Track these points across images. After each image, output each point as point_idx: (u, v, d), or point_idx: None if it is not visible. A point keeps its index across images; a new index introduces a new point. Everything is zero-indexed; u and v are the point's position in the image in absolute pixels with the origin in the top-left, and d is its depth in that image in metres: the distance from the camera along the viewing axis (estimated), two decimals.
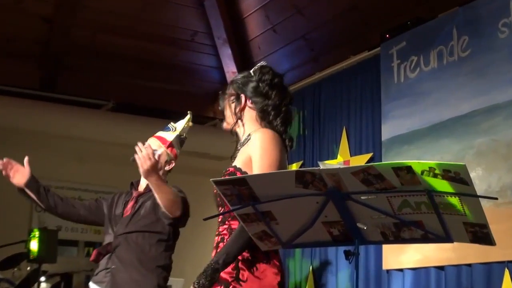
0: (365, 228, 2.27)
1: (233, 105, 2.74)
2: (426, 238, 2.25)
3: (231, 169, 2.65)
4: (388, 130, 5.56)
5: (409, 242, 2.30)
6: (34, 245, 6.52)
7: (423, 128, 5.26)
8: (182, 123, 3.92)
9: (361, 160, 5.80)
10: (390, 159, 5.37)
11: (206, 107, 7.63)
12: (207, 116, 7.73)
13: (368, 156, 5.82)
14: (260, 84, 2.72)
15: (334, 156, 6.21)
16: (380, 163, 2.13)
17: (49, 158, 7.36)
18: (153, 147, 3.59)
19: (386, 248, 5.36)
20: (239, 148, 2.72)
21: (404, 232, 2.25)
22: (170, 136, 3.87)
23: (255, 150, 2.59)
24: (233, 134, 2.79)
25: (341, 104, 6.28)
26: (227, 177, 2.56)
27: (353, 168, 2.10)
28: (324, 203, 2.22)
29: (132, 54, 7.27)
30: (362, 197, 2.16)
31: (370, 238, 2.32)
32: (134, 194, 3.87)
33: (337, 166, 2.13)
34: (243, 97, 2.73)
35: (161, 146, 3.81)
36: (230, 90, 2.78)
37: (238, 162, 2.64)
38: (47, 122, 7.09)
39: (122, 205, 3.88)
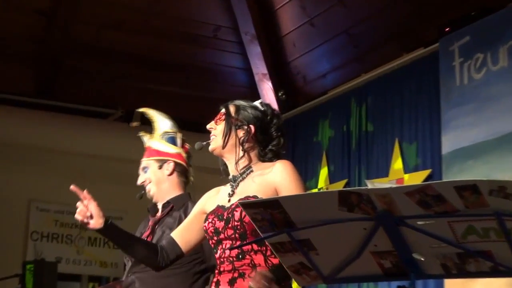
0: (422, 259, 2.27)
1: (240, 132, 3.07)
2: (497, 271, 2.24)
3: (251, 199, 2.83)
4: (449, 142, 5.53)
5: (476, 276, 2.29)
6: (29, 280, 6.57)
7: (491, 139, 5.23)
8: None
9: (417, 178, 5.78)
10: (452, 176, 5.34)
11: None
12: None
13: (425, 173, 5.80)
14: (270, 125, 3.12)
15: (384, 174, 6.20)
16: (440, 181, 2.12)
17: (45, 177, 7.44)
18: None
19: (449, 284, 5.33)
20: (234, 181, 3.02)
21: (470, 264, 2.25)
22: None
23: (287, 179, 2.93)
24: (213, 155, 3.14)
25: (393, 112, 6.27)
26: (257, 199, 2.59)
27: (407, 188, 2.10)
28: (373, 230, 2.22)
29: (144, 54, 7.33)
30: (419, 222, 2.16)
31: (429, 272, 2.31)
32: (150, 222, 3.89)
33: (389, 186, 2.13)
34: (252, 129, 3.06)
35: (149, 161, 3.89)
36: (237, 115, 3.10)
37: (258, 193, 2.88)
38: (44, 134, 7.17)
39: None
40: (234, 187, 3.00)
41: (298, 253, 2.37)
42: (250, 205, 2.34)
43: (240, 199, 2.86)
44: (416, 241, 2.22)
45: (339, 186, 6.56)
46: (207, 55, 7.59)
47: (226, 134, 3.06)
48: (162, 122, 4.02)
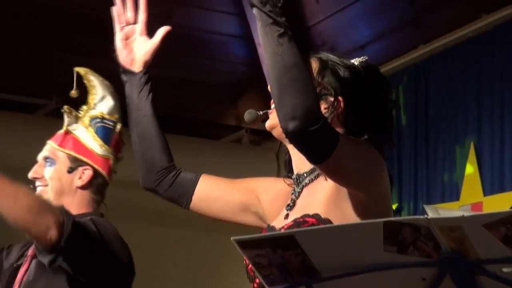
0: None
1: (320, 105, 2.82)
2: None
3: (310, 220, 2.72)
4: None
5: None
6: None
7: None
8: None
9: (502, 203, 5.79)
10: None
11: (223, 108, 7.63)
12: (225, 125, 7.75)
13: None
14: (372, 100, 2.92)
15: (454, 196, 6.22)
16: None
17: None
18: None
19: None
20: (298, 184, 2.86)
21: None
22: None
23: None
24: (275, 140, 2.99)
25: (466, 100, 6.29)
26: (260, 235, 2.56)
27: (487, 217, 2.10)
28: (437, 280, 2.23)
29: (94, 15, 7.32)
30: (504, 270, 2.17)
31: None
32: (30, 251, 3.88)
33: (460, 214, 2.13)
34: (341, 103, 2.85)
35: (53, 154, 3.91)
36: (320, 77, 2.88)
37: (318, 208, 2.73)
38: None
39: (8, 271, 3.89)
40: (297, 194, 2.86)
41: None
42: (250, 243, 2.31)
43: (296, 220, 2.74)
44: None
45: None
46: (188, 17, 7.61)
47: None
48: (101, 98, 3.98)
